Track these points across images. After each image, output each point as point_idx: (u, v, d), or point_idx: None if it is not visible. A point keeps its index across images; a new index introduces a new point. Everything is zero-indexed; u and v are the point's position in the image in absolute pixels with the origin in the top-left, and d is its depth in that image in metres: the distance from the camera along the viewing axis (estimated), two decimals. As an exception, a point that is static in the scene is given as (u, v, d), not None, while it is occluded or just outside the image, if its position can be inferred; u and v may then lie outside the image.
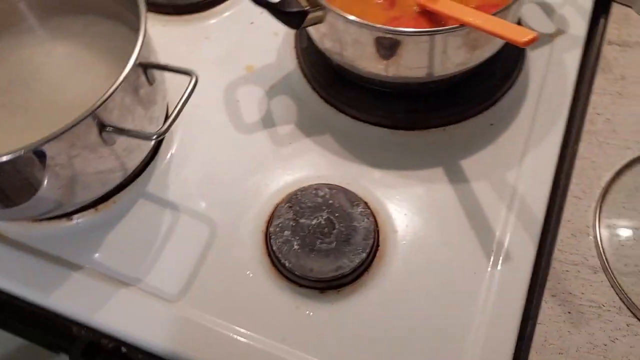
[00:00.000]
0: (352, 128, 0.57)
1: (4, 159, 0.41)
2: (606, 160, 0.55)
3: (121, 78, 0.43)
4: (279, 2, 0.50)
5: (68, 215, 0.52)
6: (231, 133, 0.57)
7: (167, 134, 0.56)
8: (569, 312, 0.49)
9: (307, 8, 0.50)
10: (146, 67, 0.47)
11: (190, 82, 0.45)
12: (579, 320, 0.48)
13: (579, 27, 0.62)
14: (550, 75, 0.58)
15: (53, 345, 0.51)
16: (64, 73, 0.55)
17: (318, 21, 0.51)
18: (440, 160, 0.55)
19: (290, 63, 0.61)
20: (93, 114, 0.42)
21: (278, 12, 0.50)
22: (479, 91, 0.56)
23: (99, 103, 0.42)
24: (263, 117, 0.58)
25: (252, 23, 0.64)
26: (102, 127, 0.44)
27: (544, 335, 0.47)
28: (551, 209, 0.52)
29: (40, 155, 0.42)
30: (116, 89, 0.43)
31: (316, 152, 0.56)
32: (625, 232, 0.51)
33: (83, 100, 0.54)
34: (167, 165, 0.56)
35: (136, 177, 0.54)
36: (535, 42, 0.43)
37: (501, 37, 0.45)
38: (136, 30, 0.54)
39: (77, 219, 0.52)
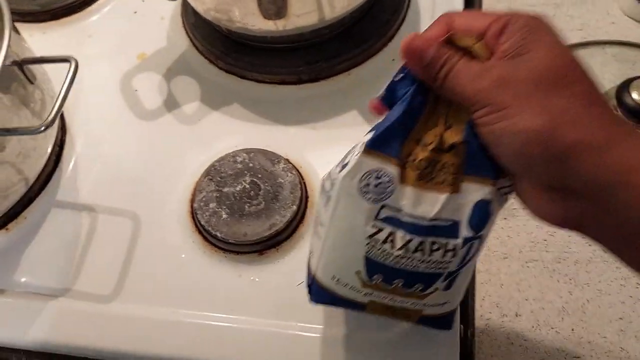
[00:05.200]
0: (258, 91, 0.55)
1: None
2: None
3: (-5, 77, 0.40)
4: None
5: (-24, 242, 0.49)
6: (136, 123, 0.55)
7: (67, 137, 0.54)
8: (505, 218, 0.49)
9: (183, -25, 0.48)
10: (22, 64, 0.44)
11: (70, 67, 0.43)
12: (515, 224, 0.49)
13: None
14: (438, 2, 0.59)
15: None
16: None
17: (196, -12, 0.49)
18: (352, 104, 0.54)
19: (182, 43, 0.59)
20: (-29, 119, 0.39)
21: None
22: (373, 30, 0.56)
23: (-25, 106, 0.39)
24: (165, 101, 0.56)
25: (135, 12, 0.62)
26: (-16, 132, 0.40)
27: (486, 246, 0.48)
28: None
29: None
30: (-10, 89, 0.40)
31: (227, 122, 0.54)
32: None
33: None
34: (74, 169, 0.53)
35: (43, 187, 0.51)
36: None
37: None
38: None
39: (-12, 244, 0.49)
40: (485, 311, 0.45)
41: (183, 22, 0.60)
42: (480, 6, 0.61)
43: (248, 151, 0.50)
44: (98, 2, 0.63)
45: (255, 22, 0.51)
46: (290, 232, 0.47)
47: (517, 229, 0.49)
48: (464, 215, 0.32)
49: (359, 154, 0.32)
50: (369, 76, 0.56)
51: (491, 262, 0.47)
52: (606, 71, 0.55)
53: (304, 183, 0.49)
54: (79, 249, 0.48)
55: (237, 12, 0.51)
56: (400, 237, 0.32)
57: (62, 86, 0.42)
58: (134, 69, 0.58)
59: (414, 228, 0.32)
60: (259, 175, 0.48)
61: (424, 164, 0.31)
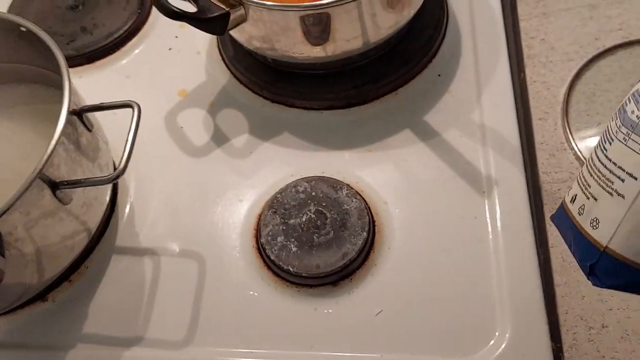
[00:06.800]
0: (306, 119, 0.55)
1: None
2: (555, 77, 0.56)
3: (59, 129, 0.39)
4: (197, 10, 0.48)
5: (41, 296, 0.47)
6: (186, 161, 0.54)
7: (120, 181, 0.53)
8: (575, 227, 0.48)
9: (228, 9, 0.48)
10: (81, 113, 0.43)
11: (133, 113, 0.42)
12: (587, 231, 0.48)
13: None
14: (476, 14, 0.59)
15: None
16: (-13, 151, 0.50)
17: (241, 20, 0.49)
18: (403, 124, 0.53)
19: (222, 76, 0.58)
20: (41, 173, 0.38)
21: (199, 22, 0.48)
22: (416, 47, 0.56)
23: (44, 161, 0.38)
24: (213, 136, 0.55)
25: (170, 49, 0.61)
26: (54, 185, 0.39)
27: (561, 256, 0.47)
28: (521, 136, 0.52)
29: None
30: (57, 141, 0.39)
31: (279, 152, 0.53)
32: (596, 135, 0.52)
33: (19, 172, 0.49)
34: (130, 213, 0.52)
35: (101, 235, 0.50)
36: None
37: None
38: (55, 85, 0.51)
39: (53, 298, 0.48)
40: (570, 325, 0.44)
41: (221, 55, 0.59)
42: (515, 10, 0.60)
43: (308, 180, 0.49)
44: (131, 42, 0.62)
45: (303, 50, 0.50)
46: (362, 260, 0.46)
47: (589, 237, 0.48)
48: None
49: None
50: (416, 94, 0.55)
51: (569, 274, 0.46)
52: (653, 70, 0.55)
53: (369, 207, 0.48)
54: (145, 295, 0.47)
55: (284, 42, 0.50)
56: None
57: (129, 133, 0.41)
58: (177, 106, 0.57)
59: None
60: (324, 204, 0.47)
61: None
